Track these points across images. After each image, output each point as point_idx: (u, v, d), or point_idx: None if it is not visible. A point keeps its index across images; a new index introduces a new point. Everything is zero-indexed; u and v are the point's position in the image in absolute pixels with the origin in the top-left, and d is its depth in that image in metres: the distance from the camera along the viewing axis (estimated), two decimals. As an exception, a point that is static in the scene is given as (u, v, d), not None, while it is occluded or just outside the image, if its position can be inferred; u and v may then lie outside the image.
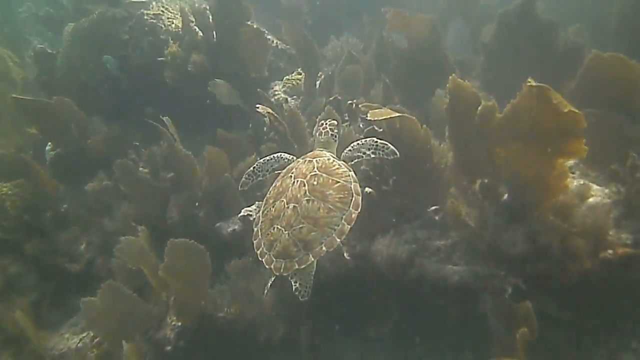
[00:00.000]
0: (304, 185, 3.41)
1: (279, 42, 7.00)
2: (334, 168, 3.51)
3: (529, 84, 3.19)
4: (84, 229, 5.81)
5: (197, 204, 5.09)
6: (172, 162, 5.21)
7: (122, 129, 6.62)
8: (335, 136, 3.85)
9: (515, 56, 5.11)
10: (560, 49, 5.02)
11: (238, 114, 6.04)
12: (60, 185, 6.49)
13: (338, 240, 3.26)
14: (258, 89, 5.56)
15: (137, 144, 6.28)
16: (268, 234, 3.42)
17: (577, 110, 3.09)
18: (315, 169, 3.49)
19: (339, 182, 3.42)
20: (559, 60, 4.97)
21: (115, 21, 6.59)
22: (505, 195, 3.70)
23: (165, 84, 6.30)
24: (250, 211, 4.55)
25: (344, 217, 3.30)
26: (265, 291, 3.50)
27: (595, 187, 3.84)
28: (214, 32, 6.20)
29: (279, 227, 3.36)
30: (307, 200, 3.35)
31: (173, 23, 6.42)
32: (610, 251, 3.29)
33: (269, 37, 6.86)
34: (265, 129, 5.46)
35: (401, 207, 4.07)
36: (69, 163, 6.57)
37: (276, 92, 6.51)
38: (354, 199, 3.38)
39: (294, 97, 6.39)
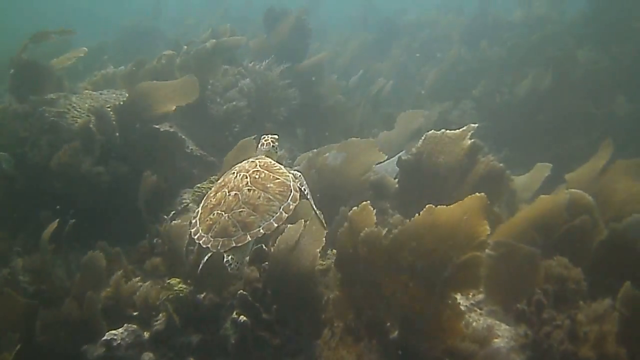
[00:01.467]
0: (247, 178, 3.70)
1: (194, 147, 6.65)
2: (275, 168, 3.86)
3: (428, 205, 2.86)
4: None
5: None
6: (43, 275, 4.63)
7: (11, 231, 6.04)
8: (276, 148, 4.27)
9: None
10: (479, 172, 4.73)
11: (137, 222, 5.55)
12: None
13: (275, 225, 3.51)
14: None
15: (19, 249, 5.66)
16: (207, 220, 3.61)
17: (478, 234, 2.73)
18: (258, 167, 3.83)
19: (279, 179, 3.75)
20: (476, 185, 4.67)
21: (16, 116, 6.18)
22: (395, 333, 3.24)
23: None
24: (115, 335, 3.97)
25: (282, 207, 3.59)
26: (200, 267, 3.78)
27: (504, 326, 3.42)
28: (117, 134, 5.85)
29: (219, 211, 3.58)
30: (248, 189, 3.62)
31: (77, 122, 6.02)
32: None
33: (186, 142, 6.57)
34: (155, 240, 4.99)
35: (283, 339, 3.57)
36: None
37: (184, 201, 6.07)
38: (292, 193, 3.70)
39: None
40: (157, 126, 6.05)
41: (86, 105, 6.40)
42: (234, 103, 7.36)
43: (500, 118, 9.87)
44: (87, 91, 7.43)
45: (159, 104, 6.00)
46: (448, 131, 4.50)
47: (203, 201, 3.86)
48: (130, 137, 5.96)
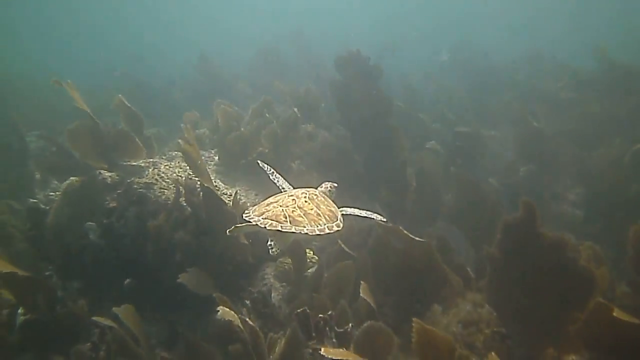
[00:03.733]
0: (306, 195, 4.35)
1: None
2: (329, 201, 4.52)
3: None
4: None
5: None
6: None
7: (98, 300, 6.10)
8: (333, 193, 4.86)
9: (522, 275, 4.34)
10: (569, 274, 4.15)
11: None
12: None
13: (317, 232, 3.94)
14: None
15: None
16: (261, 209, 4.07)
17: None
18: (317, 193, 4.53)
19: (331, 208, 4.36)
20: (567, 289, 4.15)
21: (105, 186, 6.30)
22: None
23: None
24: None
25: (327, 225, 4.09)
26: (234, 226, 3.95)
27: None
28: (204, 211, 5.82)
29: (275, 205, 4.11)
30: (305, 200, 4.24)
31: (164, 194, 6.05)
32: None
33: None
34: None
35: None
36: (37, 331, 6.02)
37: (266, 276, 5.94)
38: (337, 221, 4.22)
39: (284, 284, 5.82)
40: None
41: (174, 174, 6.47)
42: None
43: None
44: (177, 154, 7.56)
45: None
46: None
47: (262, 201, 4.42)
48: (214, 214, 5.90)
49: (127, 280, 5.99)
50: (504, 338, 4.29)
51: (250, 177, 7.30)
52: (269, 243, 4.14)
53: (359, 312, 4.91)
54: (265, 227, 3.83)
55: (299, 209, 4.09)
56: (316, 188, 4.78)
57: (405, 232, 4.97)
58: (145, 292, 5.86)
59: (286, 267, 5.95)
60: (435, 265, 4.93)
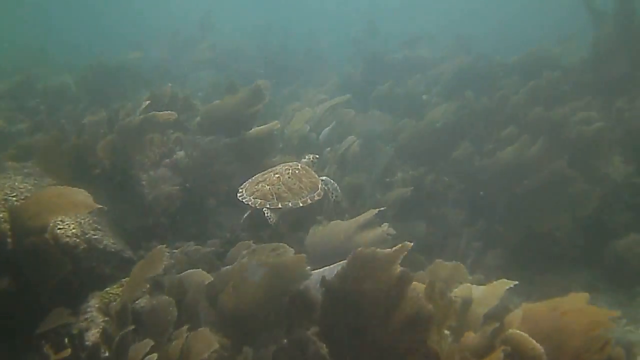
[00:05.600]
0: (289, 170, 5.25)
1: (109, 243, 5.79)
2: (311, 173, 5.48)
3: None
4: None
5: None
6: None
7: None
8: (314, 164, 5.88)
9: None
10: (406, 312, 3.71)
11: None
12: None
13: (300, 204, 5.01)
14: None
15: None
16: (252, 189, 5.11)
17: None
18: (299, 167, 5.44)
19: (312, 179, 5.31)
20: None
21: None
22: None
23: None
24: None
25: (309, 196, 5.10)
26: (242, 220, 5.29)
27: None
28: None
29: (263, 184, 5.09)
30: (288, 177, 5.15)
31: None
32: None
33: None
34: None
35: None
36: None
37: (89, 309, 5.14)
38: (318, 191, 5.22)
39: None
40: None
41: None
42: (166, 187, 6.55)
43: (478, 184, 9.02)
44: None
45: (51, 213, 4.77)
46: (379, 250, 3.61)
47: (252, 179, 5.37)
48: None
49: None
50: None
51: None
52: (266, 215, 4.93)
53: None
54: (255, 207, 4.91)
55: (284, 185, 5.01)
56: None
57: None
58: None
59: (111, 298, 5.22)
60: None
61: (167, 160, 6.94)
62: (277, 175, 5.13)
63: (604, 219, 8.49)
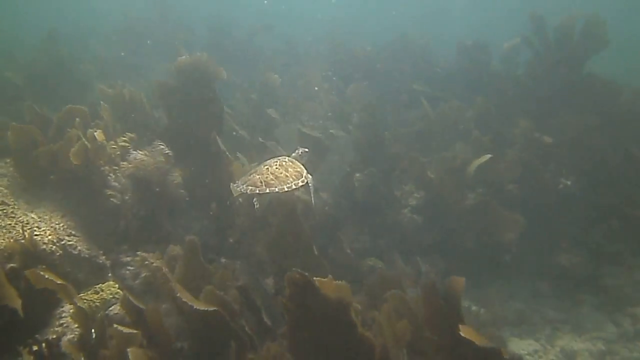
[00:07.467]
0: (277, 162, 6.12)
1: (83, 249, 5.96)
2: (298, 164, 6.26)
3: None
4: None
5: None
6: None
7: None
8: (304, 157, 6.64)
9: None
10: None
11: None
12: None
13: (285, 189, 5.78)
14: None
15: None
16: (245, 179, 5.97)
17: None
18: (287, 160, 6.25)
19: (297, 169, 6.10)
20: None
21: None
22: None
23: None
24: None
25: (293, 182, 5.87)
26: (256, 208, 5.94)
27: None
28: None
29: (254, 175, 5.93)
30: (276, 167, 5.99)
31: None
32: None
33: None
34: None
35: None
36: None
37: (63, 316, 5.24)
38: (302, 179, 5.99)
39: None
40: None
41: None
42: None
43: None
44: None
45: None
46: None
47: (247, 173, 6.25)
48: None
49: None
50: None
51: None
52: (254, 202, 5.83)
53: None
54: (246, 192, 5.74)
55: (272, 175, 5.82)
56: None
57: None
58: None
59: (86, 304, 5.38)
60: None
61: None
62: (266, 167, 5.96)
63: (552, 231, 9.08)
